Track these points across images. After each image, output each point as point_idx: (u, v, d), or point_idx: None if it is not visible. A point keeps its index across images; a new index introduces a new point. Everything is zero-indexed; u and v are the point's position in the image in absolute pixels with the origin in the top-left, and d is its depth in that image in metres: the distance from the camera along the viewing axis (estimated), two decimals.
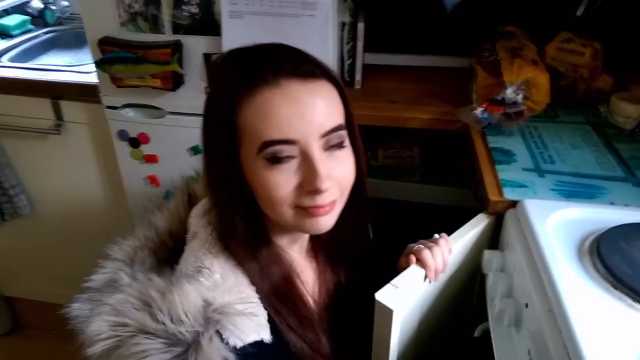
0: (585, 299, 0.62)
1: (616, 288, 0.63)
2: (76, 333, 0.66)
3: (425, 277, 0.77)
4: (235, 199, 0.69)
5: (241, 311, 0.63)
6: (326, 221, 0.68)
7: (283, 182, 0.64)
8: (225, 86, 0.67)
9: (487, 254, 0.83)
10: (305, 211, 0.66)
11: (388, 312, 0.70)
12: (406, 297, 0.73)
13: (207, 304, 0.62)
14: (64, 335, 0.64)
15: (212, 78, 0.72)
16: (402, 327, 0.75)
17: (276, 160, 0.63)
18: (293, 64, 0.65)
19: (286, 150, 0.63)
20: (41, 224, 1.71)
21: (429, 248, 0.77)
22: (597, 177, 0.89)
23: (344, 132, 0.67)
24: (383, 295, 0.71)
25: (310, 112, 0.63)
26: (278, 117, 0.62)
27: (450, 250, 0.79)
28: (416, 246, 0.79)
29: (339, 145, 0.66)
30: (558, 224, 0.76)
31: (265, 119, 0.62)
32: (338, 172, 0.66)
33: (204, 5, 1.13)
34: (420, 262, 0.76)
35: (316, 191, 0.64)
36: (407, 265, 0.77)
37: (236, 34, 1.12)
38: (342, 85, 0.69)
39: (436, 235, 0.82)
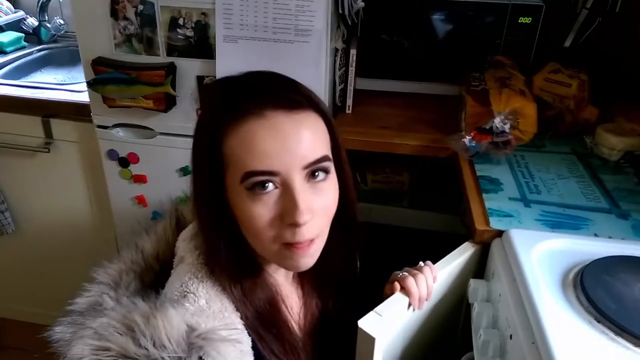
0: (568, 332, 0.62)
1: (599, 321, 0.64)
2: (57, 356, 0.65)
3: (409, 305, 0.77)
4: (221, 224, 0.69)
5: (225, 337, 0.63)
6: (306, 261, 0.68)
7: (264, 212, 0.64)
8: (213, 113, 0.68)
9: (473, 284, 0.84)
10: (286, 248, 0.66)
11: (370, 340, 0.70)
12: (389, 325, 0.73)
13: (191, 329, 0.61)
14: (45, 357, 0.63)
15: (203, 103, 0.72)
16: (384, 355, 0.75)
17: (258, 190, 0.63)
18: (279, 95, 0.65)
19: (268, 180, 0.63)
20: (25, 243, 1.69)
21: (414, 276, 0.78)
22: (582, 208, 0.90)
23: (328, 164, 0.67)
24: (366, 323, 0.71)
25: (295, 144, 0.63)
26: (261, 149, 0.62)
27: (435, 278, 0.80)
28: (401, 274, 0.80)
29: (323, 177, 0.66)
30: (543, 255, 0.77)
31: (249, 150, 0.63)
32: (319, 204, 0.66)
33: (199, 29, 1.14)
34: (405, 290, 0.77)
35: (295, 224, 0.63)
36: (392, 292, 0.77)
37: (230, 58, 1.13)
38: (329, 115, 0.70)
39: (421, 263, 0.82)
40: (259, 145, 0.62)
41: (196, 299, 0.66)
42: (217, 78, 1.15)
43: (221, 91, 0.69)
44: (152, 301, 0.64)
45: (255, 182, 0.63)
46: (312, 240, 0.66)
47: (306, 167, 0.64)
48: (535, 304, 0.66)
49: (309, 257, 0.68)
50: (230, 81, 0.70)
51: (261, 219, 0.64)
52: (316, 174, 0.66)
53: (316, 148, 0.65)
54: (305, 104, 0.66)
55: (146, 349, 0.59)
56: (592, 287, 0.68)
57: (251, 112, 0.63)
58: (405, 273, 0.79)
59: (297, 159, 0.63)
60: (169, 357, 0.59)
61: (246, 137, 0.63)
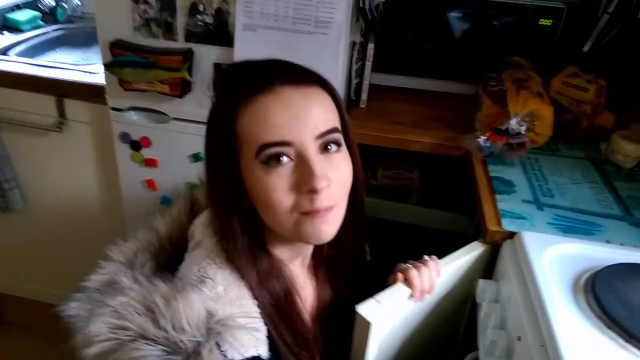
0: (578, 337, 0.63)
1: (609, 328, 0.64)
2: (64, 332, 0.65)
3: (411, 296, 0.78)
4: (236, 209, 0.70)
5: (243, 325, 0.63)
6: (327, 229, 0.68)
7: (280, 184, 0.65)
8: (225, 96, 0.70)
9: (482, 284, 0.84)
10: (304, 216, 0.66)
11: (366, 325, 0.71)
12: (387, 312, 0.74)
13: (210, 314, 0.62)
14: (46, 332, 0.63)
15: (215, 89, 0.74)
16: (382, 343, 0.76)
17: (273, 163, 0.65)
18: (287, 72, 0.68)
19: (282, 152, 0.64)
20: (33, 221, 1.69)
21: (417, 268, 0.78)
22: (594, 214, 0.90)
23: (339, 135, 0.68)
24: (364, 309, 0.72)
25: (305, 115, 0.65)
26: (273, 121, 0.64)
27: (438, 272, 0.80)
28: (405, 265, 0.80)
29: (335, 149, 0.68)
30: (554, 259, 0.77)
31: (261, 123, 0.64)
32: (334, 175, 0.67)
33: (219, 16, 1.14)
34: (407, 281, 0.77)
35: (313, 190, 0.64)
36: (394, 283, 0.78)
37: (248, 47, 1.13)
38: (336, 93, 0.71)
39: (426, 257, 0.82)
40: (271, 118, 0.64)
41: (214, 285, 0.67)
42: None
43: (232, 74, 0.72)
44: (172, 283, 0.65)
45: (270, 154, 0.64)
46: (330, 208, 0.67)
47: (319, 137, 0.65)
48: (545, 307, 0.66)
49: (330, 224, 0.68)
50: (240, 65, 0.73)
51: (278, 191, 0.65)
52: (329, 146, 0.67)
53: (327, 119, 0.67)
54: (313, 80, 0.68)
55: (165, 330, 0.59)
56: (603, 293, 0.68)
57: (261, 90, 0.65)
58: (409, 265, 0.80)
59: (309, 129, 0.65)
60: (187, 340, 0.59)
61: (258, 113, 0.64)
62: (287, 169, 0.65)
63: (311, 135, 0.65)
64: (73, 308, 0.66)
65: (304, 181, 0.64)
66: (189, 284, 0.66)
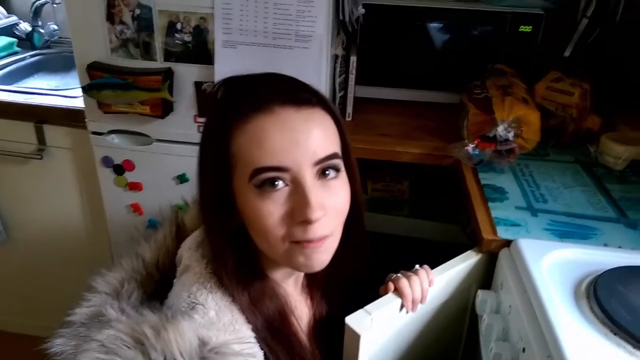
0: (584, 345, 0.61)
1: (615, 334, 0.62)
2: None
3: (402, 306, 0.76)
4: (228, 230, 0.67)
5: (238, 352, 0.60)
6: (319, 258, 0.65)
7: (273, 210, 0.62)
8: (220, 113, 0.67)
9: (481, 295, 0.82)
10: (297, 245, 0.64)
11: (356, 337, 0.69)
12: (378, 324, 0.71)
13: (203, 343, 0.59)
14: None
15: (209, 105, 0.71)
16: (373, 355, 0.73)
17: (267, 188, 0.62)
18: (288, 91, 0.64)
19: (277, 177, 0.61)
20: (17, 251, 1.65)
21: (408, 278, 0.76)
22: (589, 218, 0.88)
23: (338, 161, 0.65)
24: (353, 320, 0.70)
25: (304, 139, 0.62)
26: (270, 144, 0.61)
27: (431, 281, 0.78)
28: (395, 275, 0.78)
29: (334, 175, 0.65)
30: (553, 265, 0.75)
31: (258, 146, 0.61)
32: (331, 202, 0.64)
33: (198, 34, 1.12)
34: (398, 291, 0.75)
35: (307, 221, 0.61)
36: (385, 293, 0.76)
37: (229, 64, 1.11)
38: (338, 114, 0.69)
39: (417, 266, 0.80)
40: (268, 141, 0.61)
41: (206, 310, 0.64)
42: (216, 81, 1.14)
43: (228, 90, 0.68)
44: (161, 312, 0.61)
45: (265, 178, 0.61)
46: (324, 237, 0.64)
47: (317, 164, 0.62)
48: (548, 316, 0.64)
49: (322, 254, 0.65)
50: (237, 80, 0.68)
51: (271, 218, 0.62)
52: (327, 171, 0.64)
53: (326, 144, 0.64)
54: (314, 101, 0.65)
55: None
56: (606, 298, 0.66)
57: (259, 109, 0.62)
58: (400, 275, 0.78)
59: (308, 155, 0.62)
60: None
61: (255, 133, 0.61)
62: (281, 194, 0.62)
63: (309, 161, 0.62)
64: (58, 344, 0.63)
65: (299, 210, 0.61)
66: (179, 312, 0.63)
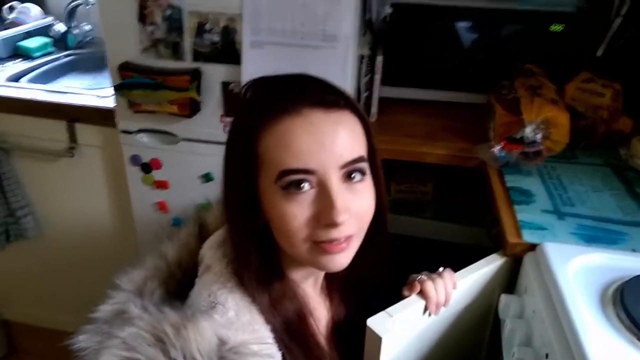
0: (610, 352, 0.59)
1: None
2: None
3: (425, 309, 0.75)
4: (252, 230, 0.68)
5: (257, 352, 0.61)
6: (341, 259, 0.66)
7: (299, 213, 0.62)
8: (248, 113, 0.67)
9: (505, 299, 0.81)
10: (320, 247, 0.64)
11: (377, 339, 0.69)
12: (400, 326, 0.71)
13: (222, 342, 0.59)
14: None
15: (236, 106, 0.72)
16: (394, 357, 0.73)
17: (293, 190, 0.62)
18: (316, 94, 0.64)
19: (304, 179, 0.62)
20: (46, 247, 1.69)
21: (432, 279, 0.76)
22: (618, 222, 0.86)
23: (364, 165, 0.65)
24: (375, 322, 0.70)
25: (331, 142, 0.62)
26: (298, 146, 0.61)
27: (454, 284, 0.78)
28: (419, 277, 0.78)
29: (359, 178, 0.65)
30: (579, 270, 0.74)
31: (285, 147, 0.61)
32: (356, 206, 0.64)
33: (226, 34, 1.14)
34: (422, 293, 0.75)
35: (332, 224, 0.62)
36: (409, 294, 0.75)
37: (256, 64, 1.12)
38: (366, 116, 0.69)
39: (441, 269, 0.80)
40: (296, 143, 0.61)
41: (225, 310, 0.65)
42: (242, 81, 1.15)
43: (257, 91, 0.68)
44: (182, 311, 0.63)
45: (291, 180, 0.62)
46: (347, 238, 0.65)
47: (343, 167, 0.63)
48: (573, 321, 0.63)
49: (345, 255, 0.66)
50: (266, 81, 0.69)
51: (296, 219, 0.62)
52: (352, 175, 0.64)
53: (353, 148, 0.64)
54: (342, 103, 0.65)
55: None
56: (634, 305, 0.65)
57: (288, 110, 0.62)
58: (424, 277, 0.77)
59: (334, 158, 0.62)
60: None
61: (282, 135, 0.62)
62: (307, 196, 0.62)
63: (336, 164, 0.62)
64: (82, 340, 0.64)
65: (324, 213, 0.62)
66: (199, 311, 0.64)
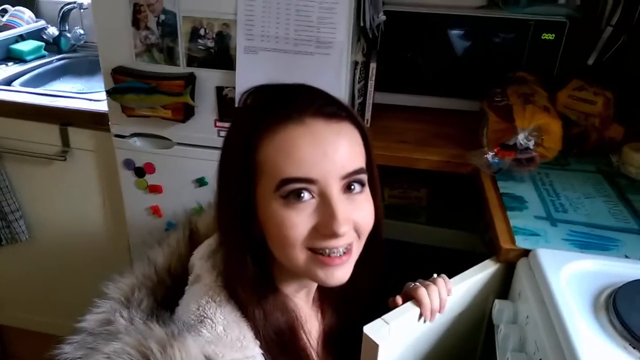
0: (602, 358, 0.60)
1: (634, 347, 0.61)
2: None
3: (420, 316, 0.75)
4: (245, 240, 0.66)
5: None
6: (340, 274, 0.65)
7: (298, 222, 0.62)
8: (248, 120, 0.66)
9: (499, 305, 0.81)
10: (318, 259, 0.63)
11: (374, 347, 0.68)
12: (395, 333, 0.71)
13: None
14: None
15: (234, 112, 0.71)
16: None
17: (293, 199, 0.61)
18: (319, 104, 0.64)
19: (304, 189, 0.61)
20: (38, 251, 1.68)
21: (426, 286, 0.76)
22: (610, 229, 0.87)
23: (364, 176, 0.65)
24: (371, 329, 0.70)
25: (333, 152, 0.61)
26: (300, 155, 0.61)
27: (449, 291, 0.78)
28: (413, 284, 0.77)
29: (359, 189, 0.65)
30: (572, 276, 0.74)
31: (287, 156, 0.61)
32: (357, 217, 0.64)
33: (220, 40, 1.14)
34: (416, 300, 0.75)
35: (333, 235, 0.61)
36: (395, 305, 0.75)
37: (250, 69, 1.12)
38: (366, 128, 0.68)
39: (435, 275, 0.80)
40: (298, 152, 0.61)
41: (214, 325, 0.63)
42: (237, 87, 1.15)
43: (259, 98, 0.68)
44: (168, 326, 0.61)
45: (292, 189, 0.61)
46: (346, 252, 0.64)
47: (344, 178, 0.63)
48: (566, 327, 0.63)
49: (345, 269, 0.65)
50: (268, 89, 0.68)
51: (295, 228, 0.62)
52: (352, 186, 0.64)
53: (354, 159, 0.64)
54: (343, 115, 0.65)
55: None
56: (626, 311, 0.65)
57: (290, 119, 0.62)
58: (418, 284, 0.77)
59: (336, 168, 0.62)
60: None
61: (284, 143, 0.61)
62: (306, 206, 0.62)
63: (337, 175, 0.62)
64: (66, 352, 0.63)
65: (325, 224, 0.61)
66: (187, 326, 0.63)
